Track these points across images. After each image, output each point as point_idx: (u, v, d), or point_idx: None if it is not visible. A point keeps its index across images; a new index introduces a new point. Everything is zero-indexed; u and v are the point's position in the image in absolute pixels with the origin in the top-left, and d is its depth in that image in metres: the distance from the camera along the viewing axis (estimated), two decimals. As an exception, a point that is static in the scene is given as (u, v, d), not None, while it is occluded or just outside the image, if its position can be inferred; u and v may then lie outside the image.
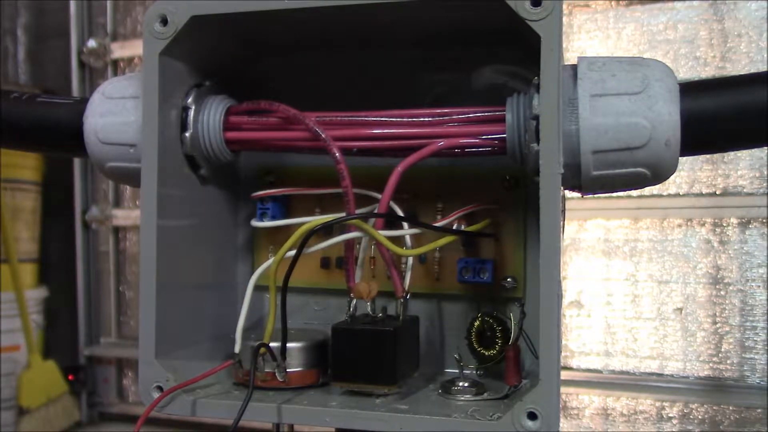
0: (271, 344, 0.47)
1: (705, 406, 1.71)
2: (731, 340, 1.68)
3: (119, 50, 2.35)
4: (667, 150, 0.42)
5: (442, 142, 0.46)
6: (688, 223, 1.71)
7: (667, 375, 1.73)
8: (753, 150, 1.53)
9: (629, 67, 0.43)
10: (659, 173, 0.43)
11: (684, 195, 1.71)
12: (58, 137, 0.54)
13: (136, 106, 0.49)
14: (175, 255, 0.49)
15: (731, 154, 1.66)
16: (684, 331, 1.71)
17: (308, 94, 0.53)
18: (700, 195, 1.70)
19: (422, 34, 0.50)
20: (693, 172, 1.70)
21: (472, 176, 0.52)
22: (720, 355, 1.69)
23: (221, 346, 0.52)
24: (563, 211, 0.45)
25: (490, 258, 0.51)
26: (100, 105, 0.51)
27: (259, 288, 0.49)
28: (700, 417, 1.71)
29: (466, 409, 0.45)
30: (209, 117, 0.50)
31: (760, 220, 1.66)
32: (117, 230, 2.40)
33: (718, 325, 1.69)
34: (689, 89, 0.44)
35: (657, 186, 0.62)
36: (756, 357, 1.67)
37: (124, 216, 2.38)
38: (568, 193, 0.49)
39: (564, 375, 1.78)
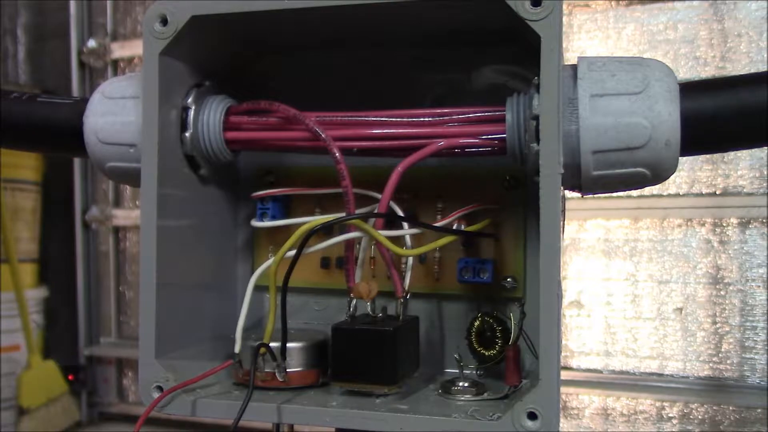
0: (271, 344, 0.47)
1: (705, 406, 1.71)
2: (731, 340, 1.68)
3: (119, 50, 2.35)
4: (667, 150, 0.42)
5: (442, 142, 0.46)
6: (688, 223, 1.71)
7: (667, 375, 1.73)
8: (753, 150, 1.53)
9: (629, 67, 0.43)
10: (659, 173, 0.43)
11: (684, 195, 1.71)
12: (58, 137, 0.54)
13: (136, 106, 0.49)
14: (175, 255, 0.49)
15: (731, 154, 1.66)
16: (684, 331, 1.72)
17: (308, 94, 0.53)
18: (700, 195, 1.70)
19: (422, 34, 0.50)
20: (693, 172, 1.71)
21: (472, 176, 0.52)
22: (720, 355, 1.69)
23: (221, 346, 0.52)
24: (563, 211, 0.45)
25: (490, 258, 0.51)
26: (100, 105, 0.51)
27: (259, 288, 0.49)
28: (700, 417, 1.71)
29: (466, 409, 0.45)
30: (209, 117, 0.50)
31: (760, 220, 1.67)
32: (117, 230, 2.40)
33: (718, 325, 1.69)
34: (689, 89, 0.44)
35: (657, 186, 0.62)
36: (756, 357, 1.67)
37: (124, 216, 2.38)
38: (568, 193, 0.49)
39: (564, 375, 1.78)
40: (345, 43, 0.53)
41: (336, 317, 0.52)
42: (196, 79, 0.51)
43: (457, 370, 0.50)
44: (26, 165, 2.30)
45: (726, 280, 1.68)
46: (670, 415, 1.73)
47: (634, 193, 1.43)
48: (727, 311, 1.68)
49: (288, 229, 0.52)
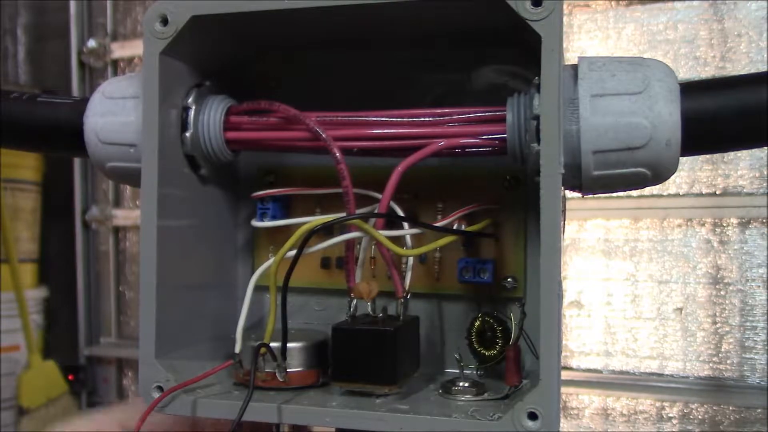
0: (272, 344, 0.47)
1: (705, 406, 1.71)
2: (731, 340, 1.68)
3: (119, 50, 2.34)
4: (668, 150, 0.42)
5: (442, 142, 0.46)
6: (688, 223, 1.71)
7: (667, 375, 1.73)
8: (753, 150, 1.53)
9: (630, 67, 0.43)
10: (659, 173, 0.44)
11: (684, 195, 1.71)
12: (59, 137, 0.54)
13: (136, 106, 0.49)
14: (175, 255, 0.49)
15: (731, 154, 1.65)
16: (684, 331, 1.71)
17: (308, 94, 0.53)
18: (700, 195, 1.70)
19: (422, 34, 0.50)
20: (693, 172, 1.70)
21: (472, 176, 0.52)
22: (720, 355, 1.69)
23: (221, 346, 0.52)
24: (563, 211, 0.45)
25: (491, 258, 0.51)
26: (101, 105, 0.51)
27: (260, 288, 0.49)
28: (700, 417, 1.71)
29: (466, 409, 0.45)
30: (209, 117, 0.50)
31: (760, 220, 1.66)
32: (117, 230, 2.40)
33: (718, 325, 1.69)
34: (690, 89, 0.44)
35: (657, 186, 0.62)
36: (756, 357, 1.67)
37: (124, 216, 2.38)
38: (569, 193, 0.49)
39: (564, 375, 1.78)
40: (345, 43, 0.53)
41: (336, 317, 0.52)
42: (197, 79, 0.51)
43: (458, 370, 0.50)
44: (26, 165, 2.30)
45: (726, 280, 1.68)
46: (670, 415, 1.73)
47: (634, 193, 1.42)
48: (727, 311, 1.68)
49: (288, 229, 0.52)
